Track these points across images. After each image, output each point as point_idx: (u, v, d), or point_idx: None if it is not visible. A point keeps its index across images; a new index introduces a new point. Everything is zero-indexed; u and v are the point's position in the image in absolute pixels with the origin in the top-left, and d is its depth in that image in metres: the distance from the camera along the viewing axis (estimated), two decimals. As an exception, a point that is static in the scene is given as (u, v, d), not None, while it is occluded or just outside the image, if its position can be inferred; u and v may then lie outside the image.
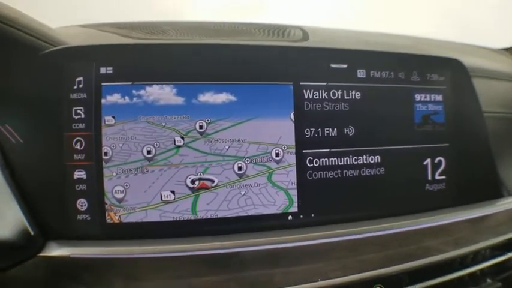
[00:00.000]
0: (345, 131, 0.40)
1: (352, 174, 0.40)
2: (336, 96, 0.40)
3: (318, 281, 0.35)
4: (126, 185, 0.35)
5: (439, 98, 0.44)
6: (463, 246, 0.42)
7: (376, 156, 0.41)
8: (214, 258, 0.34)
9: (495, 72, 0.64)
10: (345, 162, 0.39)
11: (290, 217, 0.38)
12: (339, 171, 0.39)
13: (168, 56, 0.37)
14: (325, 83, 0.39)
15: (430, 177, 0.43)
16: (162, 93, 0.36)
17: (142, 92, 0.36)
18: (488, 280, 0.46)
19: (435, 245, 0.41)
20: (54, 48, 0.35)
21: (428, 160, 0.43)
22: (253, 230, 0.36)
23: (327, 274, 0.36)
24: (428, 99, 0.44)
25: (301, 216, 0.38)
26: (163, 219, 0.36)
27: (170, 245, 0.34)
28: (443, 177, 0.44)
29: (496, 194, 0.48)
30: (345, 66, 0.40)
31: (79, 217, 0.35)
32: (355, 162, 0.40)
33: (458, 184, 0.45)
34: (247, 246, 0.35)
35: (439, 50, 0.53)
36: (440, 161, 0.43)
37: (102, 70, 0.36)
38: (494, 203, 0.46)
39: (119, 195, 0.35)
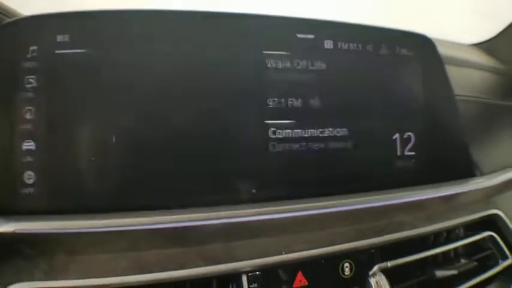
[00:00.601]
0: (311, 102, 0.38)
1: (318, 146, 0.38)
2: (300, 67, 0.38)
3: (282, 254, 0.33)
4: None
5: (408, 72, 0.44)
6: (436, 222, 0.40)
7: (343, 129, 0.39)
8: (168, 232, 0.32)
9: (466, 62, 0.65)
10: (310, 134, 0.38)
11: (254, 190, 0.36)
12: (304, 143, 0.38)
13: (125, 24, 0.35)
14: (289, 53, 0.38)
15: (399, 153, 0.42)
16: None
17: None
18: (463, 260, 0.44)
19: (407, 220, 0.39)
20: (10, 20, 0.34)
21: (397, 135, 0.42)
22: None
23: (292, 247, 0.34)
24: (397, 73, 0.43)
25: (265, 189, 0.36)
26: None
27: (119, 219, 0.32)
28: (413, 153, 0.43)
29: (468, 173, 0.47)
30: (312, 36, 0.39)
31: (25, 191, 0.32)
32: (321, 135, 0.38)
33: (429, 161, 0.44)
34: (208, 219, 0.33)
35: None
36: (409, 137, 0.43)
37: (59, 38, 0.34)
38: (466, 181, 0.46)
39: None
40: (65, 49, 0.35)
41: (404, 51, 0.43)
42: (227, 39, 0.37)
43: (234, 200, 0.35)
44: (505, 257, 0.48)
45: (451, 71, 0.63)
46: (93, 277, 0.30)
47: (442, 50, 0.67)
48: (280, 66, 0.37)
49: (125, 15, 0.36)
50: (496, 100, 0.64)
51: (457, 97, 0.57)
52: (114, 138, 0.34)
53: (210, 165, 0.35)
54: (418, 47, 0.44)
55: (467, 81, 0.63)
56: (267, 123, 0.36)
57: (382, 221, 0.38)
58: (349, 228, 0.36)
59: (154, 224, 0.32)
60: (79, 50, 0.35)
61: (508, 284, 0.48)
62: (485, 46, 0.80)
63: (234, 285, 0.33)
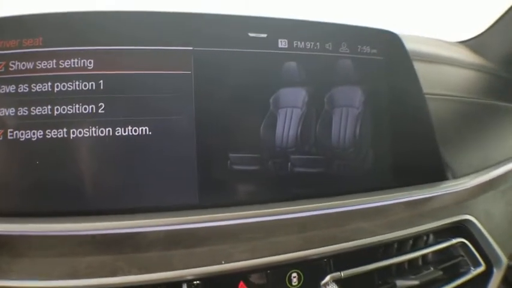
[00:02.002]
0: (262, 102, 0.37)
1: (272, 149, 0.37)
2: (252, 65, 0.37)
3: (221, 263, 0.32)
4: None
5: (372, 71, 0.41)
6: (398, 229, 0.38)
7: (300, 132, 0.38)
8: (107, 238, 0.31)
9: (449, 59, 0.62)
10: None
11: (196, 197, 0.35)
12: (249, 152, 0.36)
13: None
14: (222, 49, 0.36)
15: (361, 156, 0.40)
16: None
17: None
18: (432, 269, 0.42)
19: (364, 227, 0.37)
20: None
21: (360, 137, 0.40)
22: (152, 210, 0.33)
23: (233, 256, 0.32)
24: (359, 72, 0.41)
25: (206, 195, 0.35)
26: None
27: (58, 224, 0.31)
28: (377, 156, 0.41)
29: (440, 176, 0.45)
30: (264, 35, 0.38)
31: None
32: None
33: (394, 165, 0.42)
34: (145, 226, 0.32)
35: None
36: (373, 139, 0.41)
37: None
38: (436, 185, 0.43)
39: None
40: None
41: (367, 49, 0.41)
42: (174, 37, 0.35)
43: (176, 207, 0.34)
44: (478, 264, 0.46)
45: (432, 69, 0.61)
46: (32, 279, 0.30)
47: (424, 48, 0.65)
48: (229, 65, 0.36)
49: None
50: (478, 99, 0.61)
51: (435, 96, 0.55)
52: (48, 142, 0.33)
53: (152, 169, 0.34)
54: (383, 44, 0.42)
55: (449, 80, 0.61)
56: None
57: (334, 229, 0.36)
58: (296, 236, 0.34)
59: (93, 230, 0.31)
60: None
61: (481, 293, 0.46)
62: (471, 43, 0.77)
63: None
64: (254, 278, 0.33)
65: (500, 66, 0.73)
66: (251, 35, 0.37)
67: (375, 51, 0.41)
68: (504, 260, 0.49)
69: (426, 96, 0.51)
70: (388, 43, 0.43)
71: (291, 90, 0.38)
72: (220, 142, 0.36)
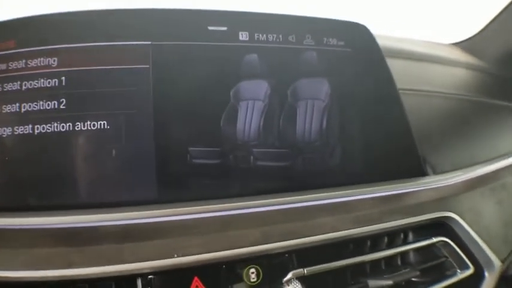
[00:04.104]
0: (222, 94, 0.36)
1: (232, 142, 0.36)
2: (212, 58, 0.37)
3: (174, 257, 0.31)
4: None
5: (339, 64, 0.41)
6: (363, 225, 0.36)
7: (262, 125, 0.37)
8: (63, 232, 0.31)
9: (435, 57, 0.62)
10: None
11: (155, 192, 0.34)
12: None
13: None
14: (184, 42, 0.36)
15: (330, 152, 0.39)
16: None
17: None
18: (408, 269, 0.40)
19: (327, 222, 0.35)
20: None
21: (327, 133, 0.39)
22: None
23: (186, 250, 0.31)
24: (325, 65, 0.40)
25: (165, 190, 0.34)
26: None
27: (17, 218, 0.31)
28: (346, 152, 0.39)
29: (416, 172, 0.43)
30: (224, 28, 0.38)
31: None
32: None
33: (367, 160, 0.40)
34: (99, 221, 0.31)
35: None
36: (343, 135, 0.40)
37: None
38: (411, 181, 0.41)
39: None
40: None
41: (333, 41, 0.41)
42: (132, 32, 0.36)
43: (134, 202, 0.33)
44: (465, 267, 0.43)
45: (418, 67, 0.60)
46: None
47: (412, 47, 0.65)
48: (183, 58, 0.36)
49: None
50: (466, 96, 0.59)
51: (418, 92, 0.53)
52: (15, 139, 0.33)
53: (111, 164, 0.34)
54: (351, 36, 0.41)
55: (434, 77, 0.59)
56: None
57: (294, 223, 0.34)
58: (254, 230, 0.33)
59: (49, 224, 0.31)
60: None
61: (471, 298, 0.43)
62: (465, 44, 0.76)
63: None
64: (209, 273, 0.32)
65: (493, 66, 0.71)
66: (211, 28, 0.37)
67: (342, 43, 0.41)
68: (497, 263, 0.45)
69: (408, 92, 0.50)
70: (356, 35, 0.42)
71: (252, 82, 0.38)
72: (179, 136, 0.36)
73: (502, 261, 0.46)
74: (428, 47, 0.69)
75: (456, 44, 0.78)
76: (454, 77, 0.62)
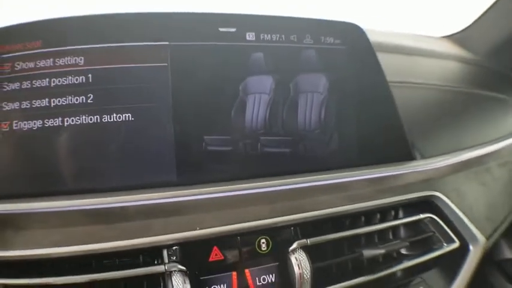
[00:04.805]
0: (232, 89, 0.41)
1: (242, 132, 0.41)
2: (223, 57, 0.41)
3: (196, 229, 0.36)
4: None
5: (336, 60, 0.45)
6: (357, 202, 0.41)
7: (268, 116, 0.42)
8: (95, 212, 0.35)
9: (424, 51, 0.66)
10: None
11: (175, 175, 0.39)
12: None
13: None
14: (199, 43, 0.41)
15: (328, 138, 0.44)
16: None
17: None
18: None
19: (326, 200, 0.40)
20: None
21: (326, 122, 0.44)
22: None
23: (206, 224, 0.36)
24: (323, 61, 0.45)
25: (184, 174, 0.39)
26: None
27: (54, 202, 0.35)
28: (343, 138, 0.44)
29: (406, 156, 0.48)
30: (233, 29, 0.42)
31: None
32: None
33: (362, 145, 0.45)
34: (127, 202, 0.36)
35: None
36: (339, 123, 0.44)
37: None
38: (402, 164, 0.46)
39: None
40: None
41: (330, 40, 0.45)
42: (152, 34, 0.40)
43: (156, 185, 0.38)
44: (451, 241, 0.48)
45: (408, 60, 0.64)
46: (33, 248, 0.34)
47: (405, 42, 0.69)
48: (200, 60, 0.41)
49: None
50: (454, 87, 0.64)
51: (407, 84, 0.58)
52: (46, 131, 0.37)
53: (136, 152, 0.39)
54: (346, 35, 0.46)
55: (422, 69, 0.64)
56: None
57: (298, 201, 0.39)
58: (264, 207, 0.38)
59: (83, 205, 0.35)
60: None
61: (455, 270, 0.48)
62: (456, 37, 0.80)
63: (159, 260, 0.36)
64: (226, 243, 0.37)
65: (483, 58, 0.75)
66: (221, 29, 0.42)
67: (338, 41, 0.45)
68: (481, 238, 0.50)
69: (397, 84, 0.54)
70: (351, 34, 0.47)
71: (258, 78, 0.42)
72: (195, 126, 0.40)
73: (487, 238, 0.51)
74: (419, 40, 0.73)
75: (447, 37, 0.82)
76: (442, 69, 0.66)
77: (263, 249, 0.38)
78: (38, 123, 0.38)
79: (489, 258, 0.69)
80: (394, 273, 0.44)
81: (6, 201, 0.35)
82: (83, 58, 0.40)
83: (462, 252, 0.49)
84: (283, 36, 0.43)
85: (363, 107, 0.46)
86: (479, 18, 0.77)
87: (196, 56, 0.41)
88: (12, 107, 0.38)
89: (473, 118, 0.61)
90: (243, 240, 0.37)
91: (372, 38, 0.48)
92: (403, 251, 0.47)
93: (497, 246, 0.70)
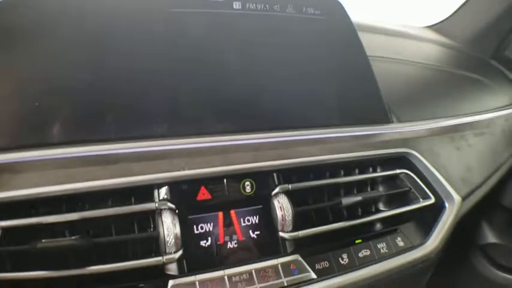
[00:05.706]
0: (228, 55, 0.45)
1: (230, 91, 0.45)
2: (212, 22, 0.46)
3: (182, 169, 0.39)
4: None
5: (317, 29, 0.50)
6: (336, 153, 0.45)
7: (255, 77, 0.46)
8: (91, 158, 0.39)
9: (407, 34, 0.71)
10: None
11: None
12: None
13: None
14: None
15: (309, 102, 0.48)
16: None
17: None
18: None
19: (308, 151, 0.44)
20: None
21: (307, 88, 0.48)
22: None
23: (193, 165, 0.39)
24: (305, 30, 0.49)
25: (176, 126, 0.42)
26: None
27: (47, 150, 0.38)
28: (325, 102, 0.48)
29: (384, 119, 0.52)
30: (222, -1, 0.47)
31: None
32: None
33: (342, 108, 0.49)
34: (122, 149, 0.39)
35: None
36: (321, 89, 0.49)
37: None
38: (380, 125, 0.50)
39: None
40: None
41: (311, 10, 0.50)
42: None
43: (148, 136, 0.41)
44: (427, 197, 0.51)
45: (392, 40, 0.69)
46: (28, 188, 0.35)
47: (387, 26, 0.74)
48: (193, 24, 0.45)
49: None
50: (434, 66, 0.68)
51: (390, 59, 0.63)
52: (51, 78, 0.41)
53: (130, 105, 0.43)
54: (326, 7, 0.51)
55: (405, 48, 0.69)
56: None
57: (281, 150, 0.43)
58: (248, 154, 0.42)
59: (78, 153, 0.38)
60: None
61: (430, 225, 0.51)
62: (436, 27, 0.86)
63: (150, 200, 0.39)
64: (213, 184, 0.40)
65: (463, 45, 0.80)
66: (211, -1, 0.46)
67: (318, 12, 0.50)
68: (457, 197, 0.53)
69: (378, 58, 0.59)
70: (330, 6, 0.51)
71: (245, 42, 0.47)
72: (188, 83, 0.44)
73: (463, 199, 0.54)
74: (401, 26, 0.78)
75: (429, 27, 0.88)
76: (423, 50, 0.71)
77: (247, 191, 0.41)
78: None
79: (471, 238, 0.73)
80: (372, 223, 0.48)
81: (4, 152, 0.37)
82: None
83: (438, 208, 0.51)
84: (267, 5, 0.48)
85: (342, 73, 0.50)
86: (459, 9, 0.83)
87: (190, 21, 0.45)
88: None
89: (450, 93, 0.65)
90: (229, 182, 0.41)
91: (357, 21, 0.53)
92: (382, 207, 0.50)
93: (481, 232, 0.73)
